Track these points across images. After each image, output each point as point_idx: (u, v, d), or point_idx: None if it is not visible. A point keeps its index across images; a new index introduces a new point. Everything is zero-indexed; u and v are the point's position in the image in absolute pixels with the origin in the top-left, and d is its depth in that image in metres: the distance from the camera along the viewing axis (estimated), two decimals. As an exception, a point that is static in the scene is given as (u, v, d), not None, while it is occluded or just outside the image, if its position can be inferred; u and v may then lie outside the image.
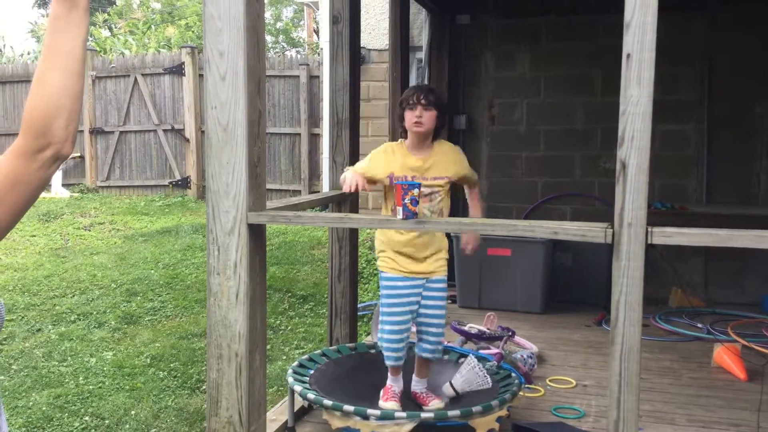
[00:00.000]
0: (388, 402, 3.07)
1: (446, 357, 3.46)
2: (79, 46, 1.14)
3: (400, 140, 3.13)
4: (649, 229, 2.06)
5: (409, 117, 3.00)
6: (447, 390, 3.18)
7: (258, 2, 2.45)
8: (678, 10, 5.38)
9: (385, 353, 3.09)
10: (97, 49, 12.93)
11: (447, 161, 3.07)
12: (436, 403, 3.11)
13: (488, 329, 4.10)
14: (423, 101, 2.98)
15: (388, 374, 3.16)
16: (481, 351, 3.72)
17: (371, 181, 3.03)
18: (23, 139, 1.10)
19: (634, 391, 2.10)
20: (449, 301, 5.47)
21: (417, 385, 3.21)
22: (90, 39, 15.55)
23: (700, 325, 4.80)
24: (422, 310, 3.09)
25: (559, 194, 6.03)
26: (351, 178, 2.88)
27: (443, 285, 3.14)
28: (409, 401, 3.18)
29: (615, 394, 2.12)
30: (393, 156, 3.05)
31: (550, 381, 3.78)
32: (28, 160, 1.09)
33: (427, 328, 3.10)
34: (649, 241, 2.06)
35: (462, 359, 3.41)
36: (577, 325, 4.94)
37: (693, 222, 4.88)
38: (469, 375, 3.13)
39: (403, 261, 3.06)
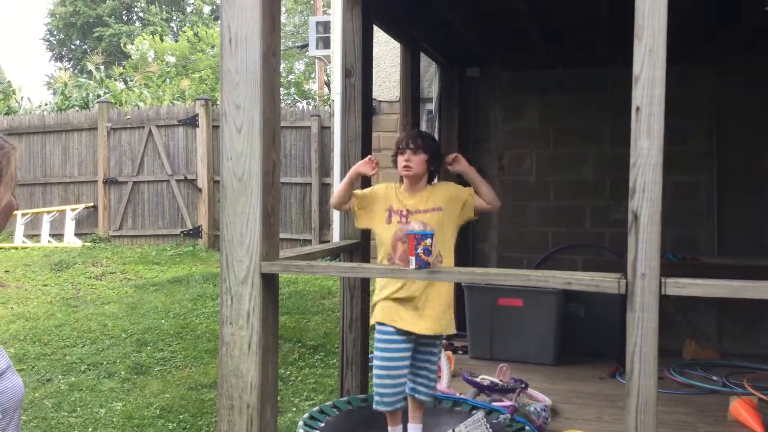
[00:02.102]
0: None
1: (458, 408, 3.42)
2: None
3: (397, 183, 3.23)
4: (663, 280, 2.06)
5: (400, 161, 3.11)
6: None
7: (274, 57, 2.52)
8: (686, 62, 5.46)
9: (378, 399, 3.09)
10: (113, 101, 13.16)
11: (439, 195, 3.12)
12: None
13: (501, 381, 4.06)
14: (411, 145, 3.07)
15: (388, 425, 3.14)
16: (494, 403, 3.68)
17: (368, 217, 3.15)
18: None
19: (651, 444, 2.07)
20: (461, 352, 5.44)
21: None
22: (106, 92, 15.87)
23: (715, 378, 4.73)
24: (417, 355, 3.11)
25: (570, 245, 6.03)
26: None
27: (440, 338, 3.23)
28: None
29: (631, 448, 2.09)
30: (391, 192, 3.16)
31: (564, 434, 3.72)
32: None
33: (423, 369, 3.14)
34: (662, 292, 2.06)
35: (474, 411, 3.37)
36: (590, 377, 4.87)
37: (705, 273, 4.84)
38: (473, 427, 3.08)
39: (403, 312, 3.06)
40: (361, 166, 3.11)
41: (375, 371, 3.08)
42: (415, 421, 3.17)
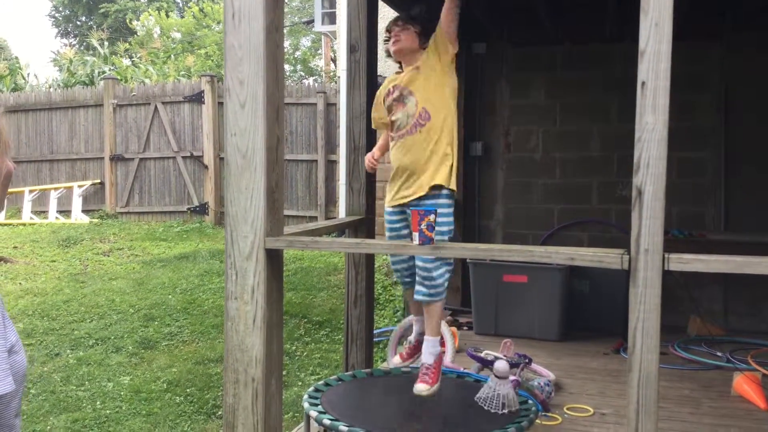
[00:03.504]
0: (394, 357, 3.17)
1: (461, 382, 3.44)
2: None
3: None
4: (666, 256, 2.06)
5: (390, 43, 3.06)
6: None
7: (277, 32, 2.51)
8: (694, 38, 5.40)
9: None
10: (119, 77, 13.15)
11: (426, 53, 3.04)
12: (417, 388, 2.94)
13: (505, 356, 4.08)
14: (399, 22, 3.03)
15: None
16: (498, 378, 3.70)
17: (382, 124, 3.15)
18: None
19: (653, 419, 2.09)
20: (465, 328, 5.46)
21: (417, 325, 3.18)
22: (111, 68, 15.84)
23: (719, 354, 4.74)
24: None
25: (575, 221, 6.02)
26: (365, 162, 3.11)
27: (432, 198, 2.94)
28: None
29: (633, 423, 2.10)
30: (389, 79, 3.14)
31: (567, 409, 3.75)
32: None
33: (420, 263, 2.95)
34: (666, 268, 2.06)
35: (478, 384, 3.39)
36: (594, 353, 4.90)
37: (711, 249, 4.84)
38: (488, 394, 3.08)
39: (393, 185, 3.05)
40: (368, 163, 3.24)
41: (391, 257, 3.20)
42: (428, 333, 3.00)
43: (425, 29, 3.03)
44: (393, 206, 3.04)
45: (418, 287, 2.97)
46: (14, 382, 1.19)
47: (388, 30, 3.09)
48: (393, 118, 3.05)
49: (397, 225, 3.06)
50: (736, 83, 5.58)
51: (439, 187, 2.93)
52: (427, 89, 3.00)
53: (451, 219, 2.97)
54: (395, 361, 3.13)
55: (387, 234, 3.10)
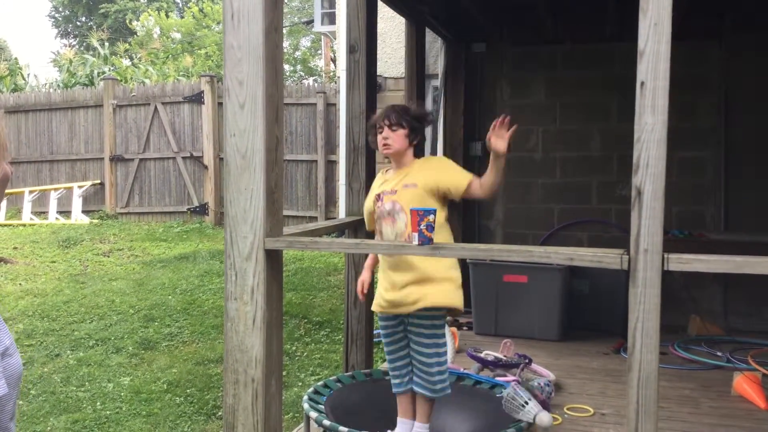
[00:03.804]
0: None
1: (461, 383, 3.44)
2: None
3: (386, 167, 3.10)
4: (666, 256, 2.06)
5: (378, 141, 2.92)
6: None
7: (276, 32, 2.51)
8: (694, 38, 5.40)
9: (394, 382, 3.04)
10: (118, 78, 13.15)
11: (419, 170, 2.88)
12: None
13: (505, 356, 4.08)
14: (386, 122, 2.87)
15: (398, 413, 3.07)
16: (498, 378, 3.70)
17: (372, 218, 3.00)
18: None
19: (653, 419, 2.09)
20: (465, 329, 5.46)
21: (405, 427, 3.02)
22: (111, 68, 15.84)
23: (719, 354, 4.74)
24: (412, 345, 2.93)
25: (575, 221, 6.02)
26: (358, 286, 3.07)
27: (427, 318, 2.88)
28: None
29: (633, 423, 2.10)
30: (380, 180, 3.03)
31: (567, 409, 3.75)
32: None
33: (416, 357, 2.92)
34: (665, 268, 2.06)
35: (478, 385, 3.39)
36: (594, 353, 4.89)
37: (711, 249, 4.83)
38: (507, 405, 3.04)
39: (381, 290, 2.92)
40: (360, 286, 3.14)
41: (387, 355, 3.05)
42: (419, 419, 2.99)
43: (414, 129, 2.90)
44: (386, 312, 2.94)
45: (414, 378, 2.95)
46: (8, 385, 1.19)
47: (375, 126, 2.95)
48: (381, 230, 2.91)
49: (395, 329, 2.99)
50: (736, 84, 5.58)
51: (431, 309, 2.86)
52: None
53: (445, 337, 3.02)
54: None
55: (384, 340, 3.00)
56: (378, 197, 2.93)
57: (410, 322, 2.88)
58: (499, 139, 2.61)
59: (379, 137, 2.90)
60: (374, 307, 2.99)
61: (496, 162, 2.68)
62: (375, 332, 4.05)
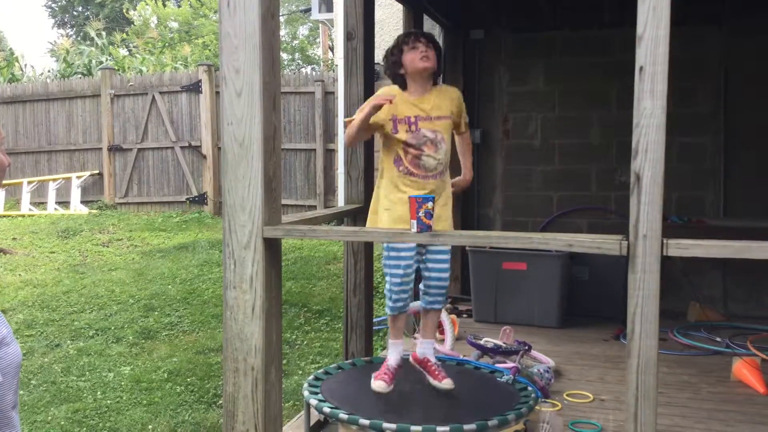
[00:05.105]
0: (376, 381, 2.97)
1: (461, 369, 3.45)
2: None
3: (396, 88, 3.02)
4: (665, 241, 2.06)
5: (414, 55, 2.90)
6: None
7: (273, 20, 2.49)
8: (693, 23, 5.38)
9: (392, 304, 3.01)
10: (115, 67, 13.10)
11: (447, 99, 2.98)
12: (448, 382, 2.99)
13: (504, 343, 4.09)
14: (423, 39, 2.93)
15: (389, 336, 3.08)
16: (498, 365, 3.70)
17: (371, 128, 2.94)
18: None
19: (652, 404, 2.09)
20: (465, 316, 5.47)
21: (424, 348, 3.06)
22: (108, 58, 15.78)
23: (718, 339, 4.75)
24: (429, 263, 2.98)
25: (574, 208, 6.02)
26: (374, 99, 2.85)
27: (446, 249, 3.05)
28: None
29: (632, 408, 2.11)
30: (398, 98, 2.94)
31: (567, 395, 3.76)
32: None
33: (436, 280, 2.98)
34: (664, 253, 2.06)
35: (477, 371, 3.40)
36: (594, 340, 4.90)
37: (710, 235, 4.83)
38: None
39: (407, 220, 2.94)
40: (379, 99, 2.83)
41: (389, 279, 2.97)
42: (429, 336, 3.07)
43: (439, 57, 3.01)
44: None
45: (433, 298, 3.03)
46: (7, 374, 1.19)
47: (403, 45, 2.95)
48: (423, 157, 2.93)
49: (413, 258, 2.99)
50: (736, 69, 5.57)
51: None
52: (450, 142, 3.01)
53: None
54: (377, 385, 2.97)
55: (399, 270, 2.95)
56: (408, 120, 2.91)
57: (432, 250, 2.98)
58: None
59: (414, 52, 2.91)
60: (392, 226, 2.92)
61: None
62: (374, 320, 4.05)
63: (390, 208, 2.94)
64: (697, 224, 5.27)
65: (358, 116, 2.89)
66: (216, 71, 10.94)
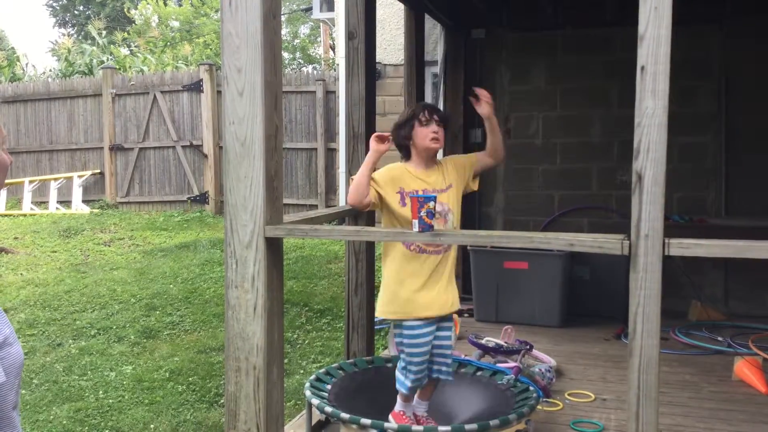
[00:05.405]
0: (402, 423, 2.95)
1: (462, 370, 3.45)
2: None
3: (401, 162, 3.00)
4: (666, 241, 2.06)
5: (425, 133, 2.88)
6: None
7: (275, 19, 2.49)
8: (694, 23, 5.37)
9: (409, 383, 2.95)
10: (117, 67, 13.10)
11: (446, 168, 2.99)
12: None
13: (506, 343, 4.09)
14: (437, 117, 2.90)
15: (399, 400, 3.04)
16: (499, 365, 3.70)
17: (376, 204, 2.88)
18: None
19: (653, 404, 2.09)
20: (466, 315, 5.48)
21: (419, 407, 3.07)
22: (110, 57, 15.79)
23: (720, 339, 4.74)
24: (438, 336, 2.96)
25: (576, 207, 6.01)
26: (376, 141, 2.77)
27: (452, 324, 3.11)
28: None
29: (634, 407, 2.11)
30: (400, 172, 2.92)
31: (568, 395, 3.76)
32: None
33: (442, 350, 2.97)
34: (666, 253, 2.06)
35: (479, 373, 3.40)
36: (595, 339, 4.90)
37: (712, 234, 4.83)
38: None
39: (425, 296, 2.88)
40: (379, 146, 2.75)
41: (408, 360, 2.90)
42: (425, 397, 3.08)
43: (446, 134, 3.02)
44: (426, 318, 2.89)
45: (443, 368, 2.99)
46: (9, 374, 1.19)
47: (415, 119, 2.91)
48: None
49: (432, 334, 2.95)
50: (737, 68, 5.56)
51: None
52: (458, 212, 2.98)
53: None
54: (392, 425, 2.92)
55: (419, 349, 2.89)
56: (425, 193, 2.86)
57: (443, 318, 2.96)
58: (480, 105, 2.96)
59: (428, 130, 2.89)
60: (422, 314, 2.88)
61: (488, 123, 3.00)
62: (376, 320, 4.05)
63: (404, 300, 2.90)
64: (698, 223, 5.27)
65: (362, 168, 2.81)
66: (217, 70, 10.95)
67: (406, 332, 2.89)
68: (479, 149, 5.15)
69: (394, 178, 2.89)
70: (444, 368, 3.01)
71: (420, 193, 2.82)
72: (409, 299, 2.87)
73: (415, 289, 2.86)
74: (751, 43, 5.49)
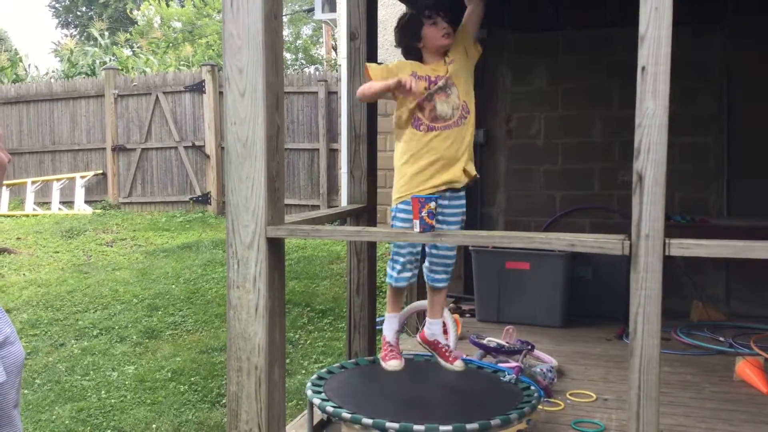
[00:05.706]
0: (389, 362, 2.95)
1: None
2: None
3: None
4: (667, 241, 2.06)
5: (435, 33, 2.91)
6: None
7: (276, 20, 2.50)
8: (695, 23, 5.38)
9: (396, 275, 2.93)
10: (119, 68, 13.12)
11: (452, 49, 2.99)
12: (459, 364, 2.98)
13: (507, 343, 4.09)
14: (446, 17, 2.93)
15: (386, 314, 3.02)
16: (501, 364, 3.71)
17: (390, 88, 2.84)
18: None
19: (654, 404, 2.09)
20: (468, 316, 5.48)
21: (433, 328, 3.02)
22: (112, 58, 15.81)
23: (721, 339, 4.74)
24: (443, 220, 2.87)
25: (577, 208, 6.02)
26: (407, 80, 2.73)
27: (464, 201, 2.97)
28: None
29: (634, 407, 2.11)
30: (411, 64, 2.95)
31: (570, 395, 3.76)
32: None
33: (441, 252, 2.92)
34: (666, 253, 2.06)
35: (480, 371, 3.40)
36: (597, 339, 4.90)
37: (713, 234, 4.83)
38: None
39: (423, 174, 2.85)
40: (408, 83, 2.73)
41: (396, 248, 2.91)
42: (437, 315, 3.02)
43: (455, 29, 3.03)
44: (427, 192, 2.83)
45: (438, 276, 2.98)
46: (10, 373, 1.19)
47: (423, 18, 2.94)
48: (437, 107, 2.89)
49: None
50: (738, 68, 5.56)
51: (470, 176, 2.96)
52: (466, 82, 3.00)
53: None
54: (391, 365, 2.94)
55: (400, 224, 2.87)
56: (428, 78, 2.89)
57: (448, 205, 2.90)
58: None
59: (438, 28, 2.92)
60: (429, 184, 2.84)
61: None
62: (377, 320, 4.06)
63: (409, 180, 2.88)
64: (700, 224, 5.27)
65: (382, 83, 2.81)
66: (219, 71, 10.96)
67: (394, 214, 2.89)
68: (481, 150, 5.22)
69: (408, 65, 2.93)
70: (444, 276, 2.99)
71: (420, 76, 2.87)
72: (416, 174, 2.85)
73: (423, 166, 2.84)
74: (752, 44, 5.49)
